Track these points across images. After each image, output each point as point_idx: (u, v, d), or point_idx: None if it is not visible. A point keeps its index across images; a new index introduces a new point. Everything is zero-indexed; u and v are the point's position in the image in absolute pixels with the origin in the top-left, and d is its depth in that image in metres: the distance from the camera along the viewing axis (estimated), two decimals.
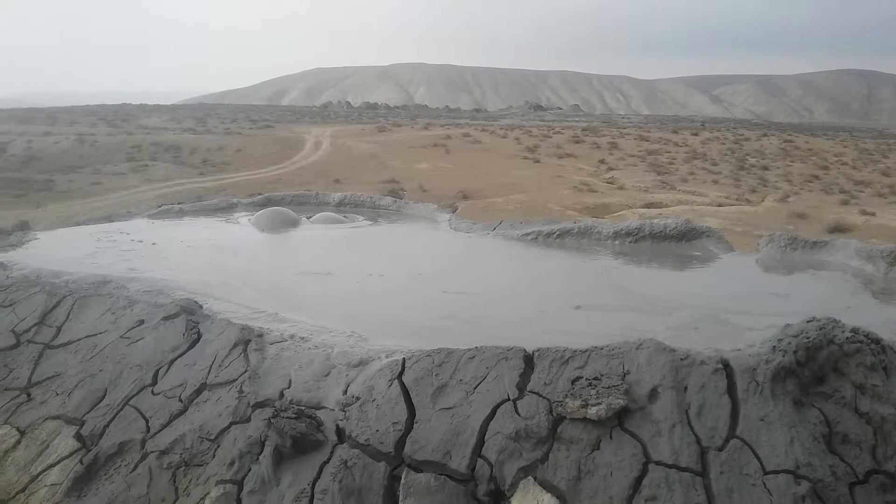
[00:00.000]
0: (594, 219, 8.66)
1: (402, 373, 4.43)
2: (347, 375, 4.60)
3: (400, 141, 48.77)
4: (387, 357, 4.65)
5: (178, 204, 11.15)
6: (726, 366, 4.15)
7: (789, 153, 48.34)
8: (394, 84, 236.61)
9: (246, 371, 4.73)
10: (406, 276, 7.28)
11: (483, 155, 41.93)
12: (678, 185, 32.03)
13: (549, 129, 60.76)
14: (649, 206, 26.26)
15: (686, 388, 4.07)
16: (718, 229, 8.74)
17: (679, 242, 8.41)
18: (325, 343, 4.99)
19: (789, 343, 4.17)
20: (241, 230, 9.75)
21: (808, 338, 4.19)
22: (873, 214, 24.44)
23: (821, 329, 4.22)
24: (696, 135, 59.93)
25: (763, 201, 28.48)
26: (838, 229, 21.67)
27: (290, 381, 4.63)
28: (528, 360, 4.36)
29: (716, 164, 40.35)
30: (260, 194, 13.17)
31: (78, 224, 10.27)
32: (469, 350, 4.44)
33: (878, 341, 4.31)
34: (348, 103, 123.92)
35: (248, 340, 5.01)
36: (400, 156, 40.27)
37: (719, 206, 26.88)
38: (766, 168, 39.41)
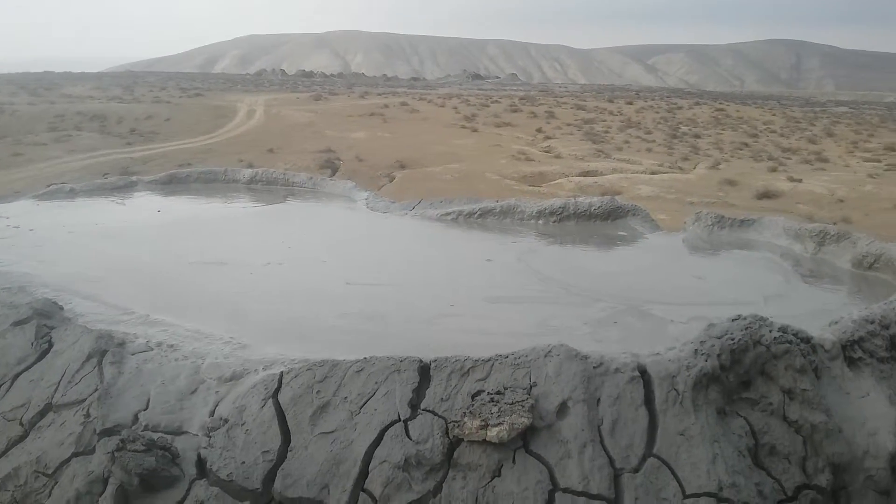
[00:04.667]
0: (517, 199, 8.15)
1: (278, 390, 3.80)
2: (217, 392, 3.95)
3: (336, 110, 47.52)
4: (264, 370, 4.01)
5: (70, 184, 10.15)
6: (643, 373, 3.67)
7: (720, 121, 49.22)
8: (329, 52, 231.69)
9: (97, 389, 4.02)
10: (308, 264, 6.61)
11: (421, 124, 41.21)
12: (613, 154, 32.11)
13: (487, 99, 60.25)
14: (585, 174, 26.14)
15: (599, 400, 3.58)
16: (644, 208, 8.34)
17: (604, 222, 7.95)
18: (196, 352, 4.30)
19: (712, 345, 3.72)
20: (135, 213, 8.88)
21: (732, 339, 3.75)
22: (800, 181, 24.91)
23: (746, 329, 3.79)
24: (630, 104, 60.45)
25: (695, 169, 28.76)
26: (767, 195, 21.99)
27: (147, 401, 3.93)
28: (424, 372, 3.78)
29: (650, 133, 40.67)
30: (167, 172, 12.20)
31: None
32: (357, 362, 3.83)
33: (807, 340, 3.92)
34: (283, 71, 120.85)
35: (104, 351, 4.27)
36: (336, 125, 39.16)
37: (653, 173, 26.96)
38: (697, 136, 39.93)
